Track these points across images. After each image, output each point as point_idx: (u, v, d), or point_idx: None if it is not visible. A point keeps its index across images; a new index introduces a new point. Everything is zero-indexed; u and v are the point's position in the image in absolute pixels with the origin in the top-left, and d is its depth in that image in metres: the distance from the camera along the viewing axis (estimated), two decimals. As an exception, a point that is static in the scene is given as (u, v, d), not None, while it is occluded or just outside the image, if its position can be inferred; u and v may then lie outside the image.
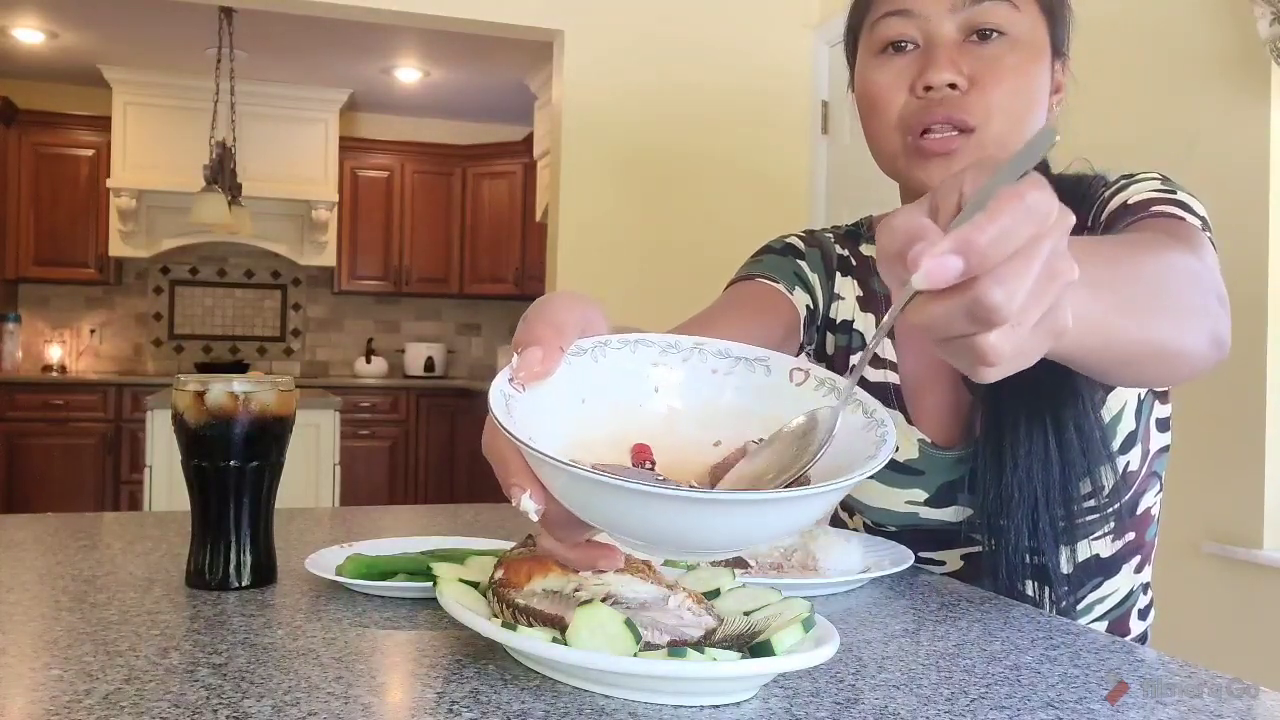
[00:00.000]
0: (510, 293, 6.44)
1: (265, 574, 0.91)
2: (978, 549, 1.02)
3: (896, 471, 1.05)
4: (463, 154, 6.55)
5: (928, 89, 0.94)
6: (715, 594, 0.74)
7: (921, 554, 1.06)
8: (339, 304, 6.70)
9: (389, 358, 6.66)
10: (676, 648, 0.63)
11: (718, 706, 0.63)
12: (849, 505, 1.15)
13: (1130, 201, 0.91)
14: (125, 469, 5.71)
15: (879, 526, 1.11)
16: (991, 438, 0.96)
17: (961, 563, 1.06)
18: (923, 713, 0.64)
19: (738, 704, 0.64)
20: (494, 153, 6.46)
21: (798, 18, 3.66)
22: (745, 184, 3.60)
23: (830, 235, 1.16)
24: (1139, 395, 1.00)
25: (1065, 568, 0.98)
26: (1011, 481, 0.94)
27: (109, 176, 5.81)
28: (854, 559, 1.00)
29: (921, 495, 1.04)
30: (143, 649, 0.71)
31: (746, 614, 0.70)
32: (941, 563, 1.07)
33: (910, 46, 0.97)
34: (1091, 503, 0.98)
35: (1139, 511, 1.04)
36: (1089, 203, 0.98)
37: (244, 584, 0.89)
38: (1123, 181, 0.97)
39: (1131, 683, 0.72)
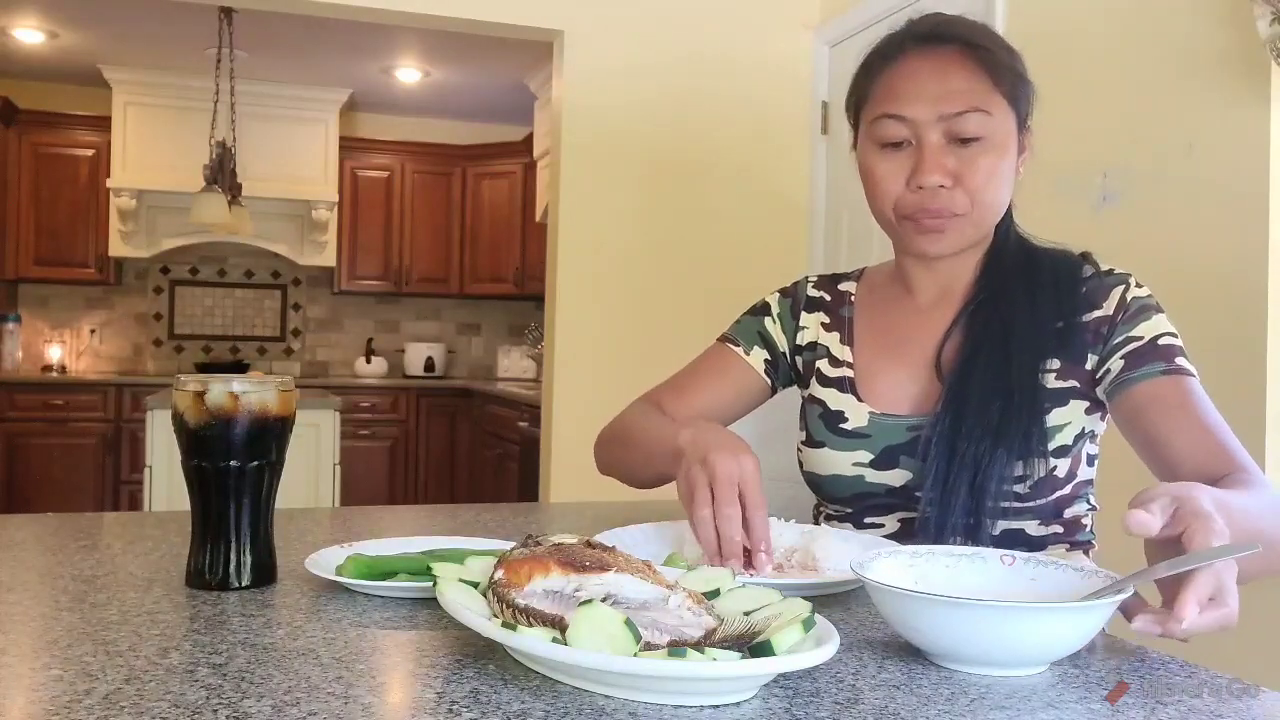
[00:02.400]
0: (510, 293, 6.44)
1: (265, 574, 0.91)
2: (913, 514, 1.16)
3: (846, 436, 1.21)
4: (463, 154, 6.54)
5: (920, 187, 1.13)
6: (715, 594, 0.74)
7: (867, 520, 1.21)
8: (339, 304, 6.70)
9: (389, 358, 6.65)
10: (676, 648, 0.63)
11: (718, 706, 0.63)
12: (814, 485, 1.27)
13: (1160, 343, 1.12)
14: (125, 469, 5.70)
15: (832, 501, 1.24)
16: (951, 409, 1.13)
17: (898, 525, 1.20)
18: (923, 713, 0.64)
19: (738, 704, 0.64)
20: (494, 153, 6.45)
21: (798, 18, 3.66)
22: (745, 183, 3.60)
23: (813, 280, 1.37)
24: (1082, 427, 1.15)
25: (995, 531, 1.12)
26: (963, 448, 1.10)
27: (109, 176, 5.81)
28: (854, 559, 1.00)
29: (867, 456, 1.20)
30: (143, 649, 0.71)
31: (746, 614, 0.70)
32: (881, 525, 1.21)
33: (905, 144, 1.15)
34: (1020, 488, 1.11)
35: (1066, 515, 1.17)
36: (1073, 285, 1.17)
37: (244, 584, 0.89)
38: (1135, 300, 1.15)
39: (1131, 683, 0.72)
